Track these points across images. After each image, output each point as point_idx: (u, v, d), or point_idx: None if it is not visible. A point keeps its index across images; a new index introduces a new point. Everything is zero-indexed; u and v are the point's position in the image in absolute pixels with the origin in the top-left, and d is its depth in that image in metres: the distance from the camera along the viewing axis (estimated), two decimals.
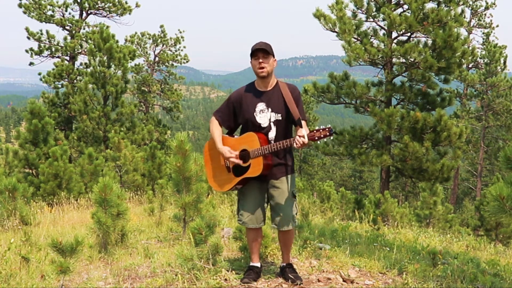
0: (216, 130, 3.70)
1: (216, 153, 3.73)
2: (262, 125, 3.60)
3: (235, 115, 3.71)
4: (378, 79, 14.21)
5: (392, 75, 13.60)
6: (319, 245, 4.96)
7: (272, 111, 3.60)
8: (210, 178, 3.83)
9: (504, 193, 3.03)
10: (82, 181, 11.39)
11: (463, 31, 14.87)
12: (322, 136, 3.37)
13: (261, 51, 3.53)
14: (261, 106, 3.61)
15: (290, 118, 3.63)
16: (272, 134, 3.60)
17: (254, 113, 3.60)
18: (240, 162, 3.59)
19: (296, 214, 3.71)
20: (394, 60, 13.71)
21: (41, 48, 21.61)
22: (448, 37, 12.17)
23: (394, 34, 13.77)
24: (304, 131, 3.40)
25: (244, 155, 3.60)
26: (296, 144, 3.38)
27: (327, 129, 3.37)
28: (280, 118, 3.60)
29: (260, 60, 3.53)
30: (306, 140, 3.36)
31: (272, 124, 3.60)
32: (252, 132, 3.59)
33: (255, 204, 3.70)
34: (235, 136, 3.77)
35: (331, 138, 3.37)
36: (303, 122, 3.58)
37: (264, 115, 3.60)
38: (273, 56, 3.59)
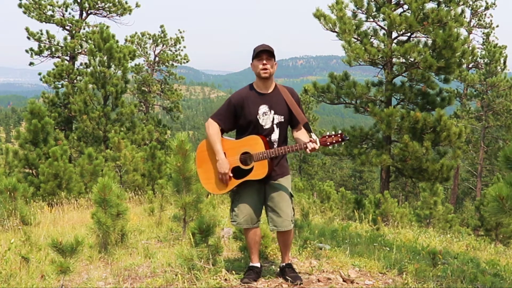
0: (217, 136, 3.64)
1: (212, 155, 3.68)
2: (265, 127, 3.62)
3: (236, 118, 3.69)
4: (378, 79, 14.23)
5: (392, 75, 13.60)
6: (319, 245, 4.96)
7: (275, 113, 3.62)
8: (204, 180, 3.74)
9: (503, 193, 3.03)
10: (82, 181, 11.39)
11: (463, 31, 14.88)
12: (334, 142, 3.42)
13: (265, 53, 3.55)
14: (264, 108, 3.62)
15: (291, 120, 3.67)
16: (275, 136, 3.63)
17: (257, 116, 3.61)
18: (227, 182, 3.61)
19: (293, 214, 3.73)
20: (394, 60, 13.72)
21: (41, 48, 21.62)
22: (448, 37, 12.18)
23: (394, 34, 13.78)
24: (314, 135, 3.45)
25: (246, 157, 3.58)
26: (308, 149, 3.42)
27: (339, 135, 3.41)
28: (283, 120, 3.63)
29: (264, 62, 3.55)
30: (318, 145, 3.41)
31: (275, 126, 3.63)
32: (255, 135, 3.59)
33: (251, 205, 3.69)
34: (226, 137, 3.73)
35: (343, 143, 3.40)
36: (300, 125, 3.64)
37: (267, 117, 3.62)
38: (275, 60, 3.63)
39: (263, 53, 3.55)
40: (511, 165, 3.09)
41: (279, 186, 3.66)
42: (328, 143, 3.43)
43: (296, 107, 3.61)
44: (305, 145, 3.44)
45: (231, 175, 3.60)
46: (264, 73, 3.56)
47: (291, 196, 3.71)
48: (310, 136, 3.47)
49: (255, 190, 3.68)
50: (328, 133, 3.46)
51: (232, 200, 3.79)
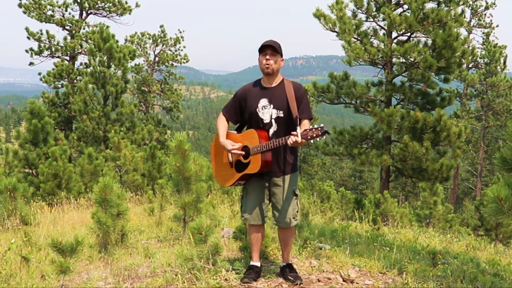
0: (221, 124, 3.77)
1: (220, 148, 3.77)
2: (264, 121, 3.64)
3: (241, 111, 3.75)
4: (378, 79, 14.22)
5: (392, 75, 13.60)
6: (319, 245, 4.96)
7: (274, 108, 3.63)
8: (215, 173, 3.92)
9: (502, 195, 3.03)
10: (82, 181, 11.38)
11: (463, 31, 14.88)
12: (314, 135, 3.35)
13: (269, 48, 3.56)
14: (263, 102, 3.64)
15: (292, 116, 3.64)
16: (272, 130, 3.63)
17: (257, 109, 3.64)
18: (242, 153, 3.62)
19: (297, 212, 3.73)
20: (394, 60, 13.72)
21: (41, 48, 21.60)
22: (448, 37, 12.17)
23: (394, 34, 13.77)
24: (298, 129, 3.39)
25: (245, 151, 3.64)
26: (290, 142, 3.37)
27: (319, 129, 3.34)
28: (282, 115, 3.62)
29: (267, 57, 3.56)
30: (299, 139, 3.34)
31: (273, 120, 3.63)
32: (253, 129, 3.64)
33: (256, 201, 3.72)
34: (231, 131, 3.83)
35: (324, 137, 3.36)
36: (306, 121, 3.59)
37: (266, 111, 3.63)
38: (281, 56, 3.62)
39: (267, 49, 3.56)
40: (507, 166, 3.10)
41: (282, 183, 3.67)
42: (309, 137, 3.35)
43: (293, 102, 3.56)
44: (287, 138, 3.40)
45: (239, 152, 3.61)
46: (266, 69, 3.58)
47: (294, 193, 3.70)
48: (296, 129, 3.41)
49: (257, 186, 3.71)
50: (310, 127, 3.41)
51: (241, 196, 3.87)
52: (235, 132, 3.85)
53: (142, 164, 12.70)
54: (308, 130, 3.37)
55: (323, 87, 14.25)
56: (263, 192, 3.73)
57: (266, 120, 3.63)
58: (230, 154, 3.75)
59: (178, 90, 32.05)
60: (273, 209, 3.75)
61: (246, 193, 3.78)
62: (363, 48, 13.10)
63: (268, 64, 3.56)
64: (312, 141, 3.40)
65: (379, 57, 13.50)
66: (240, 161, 3.67)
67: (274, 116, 3.62)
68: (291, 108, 3.57)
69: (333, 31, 13.70)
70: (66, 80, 21.01)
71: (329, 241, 5.60)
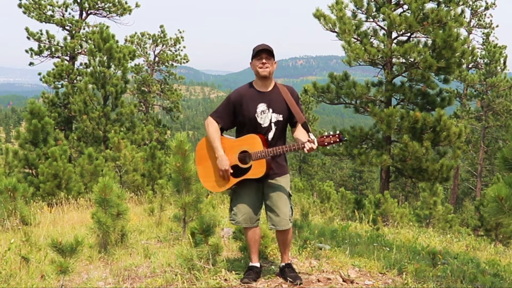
0: (215, 133, 3.66)
1: (212, 153, 3.70)
2: (263, 125, 3.63)
3: (235, 115, 3.71)
4: (378, 79, 14.23)
5: (392, 75, 13.60)
6: (319, 245, 4.96)
7: (273, 112, 3.64)
8: (203, 178, 3.77)
9: (502, 194, 3.04)
10: (81, 181, 11.38)
11: (463, 31, 14.88)
12: (332, 142, 3.45)
13: (265, 52, 3.57)
14: (262, 106, 3.64)
15: (289, 119, 3.69)
16: (271, 134, 3.65)
17: (255, 114, 3.63)
18: (228, 179, 3.61)
19: (292, 213, 3.74)
20: (394, 60, 13.72)
21: (41, 48, 21.60)
22: (448, 37, 12.18)
23: (394, 34, 13.78)
24: (312, 135, 3.46)
25: (244, 156, 3.60)
26: (306, 148, 3.43)
27: (337, 136, 3.43)
28: (281, 118, 3.65)
29: (264, 61, 3.57)
30: (316, 145, 3.42)
31: (272, 124, 3.64)
32: (253, 134, 3.61)
33: (250, 204, 3.71)
34: (225, 136, 3.75)
35: (341, 144, 3.43)
36: (299, 125, 3.64)
37: (265, 116, 3.63)
38: (274, 59, 3.64)
39: (263, 52, 3.57)
40: (509, 166, 3.10)
41: (277, 185, 3.67)
42: (326, 143, 3.45)
43: (295, 106, 3.62)
44: (303, 145, 3.46)
45: (232, 171, 3.61)
46: (263, 71, 3.58)
47: (289, 195, 3.72)
48: (309, 136, 3.49)
49: (253, 189, 3.70)
50: (326, 133, 3.48)
51: (231, 199, 3.83)
52: (230, 137, 3.76)
53: (142, 164, 12.70)
54: (325, 137, 3.46)
55: (323, 87, 14.27)
56: (257, 194, 3.72)
57: (265, 124, 3.63)
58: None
59: (178, 90, 32.04)
60: (269, 212, 3.71)
61: (237, 196, 3.74)
62: (363, 48, 13.11)
63: (266, 68, 3.57)
64: (328, 147, 3.47)
65: (379, 57, 13.51)
66: (237, 166, 3.62)
67: (274, 120, 3.64)
68: (293, 112, 3.61)
69: (333, 31, 13.71)
70: (66, 80, 21.01)
71: (329, 241, 5.60)
